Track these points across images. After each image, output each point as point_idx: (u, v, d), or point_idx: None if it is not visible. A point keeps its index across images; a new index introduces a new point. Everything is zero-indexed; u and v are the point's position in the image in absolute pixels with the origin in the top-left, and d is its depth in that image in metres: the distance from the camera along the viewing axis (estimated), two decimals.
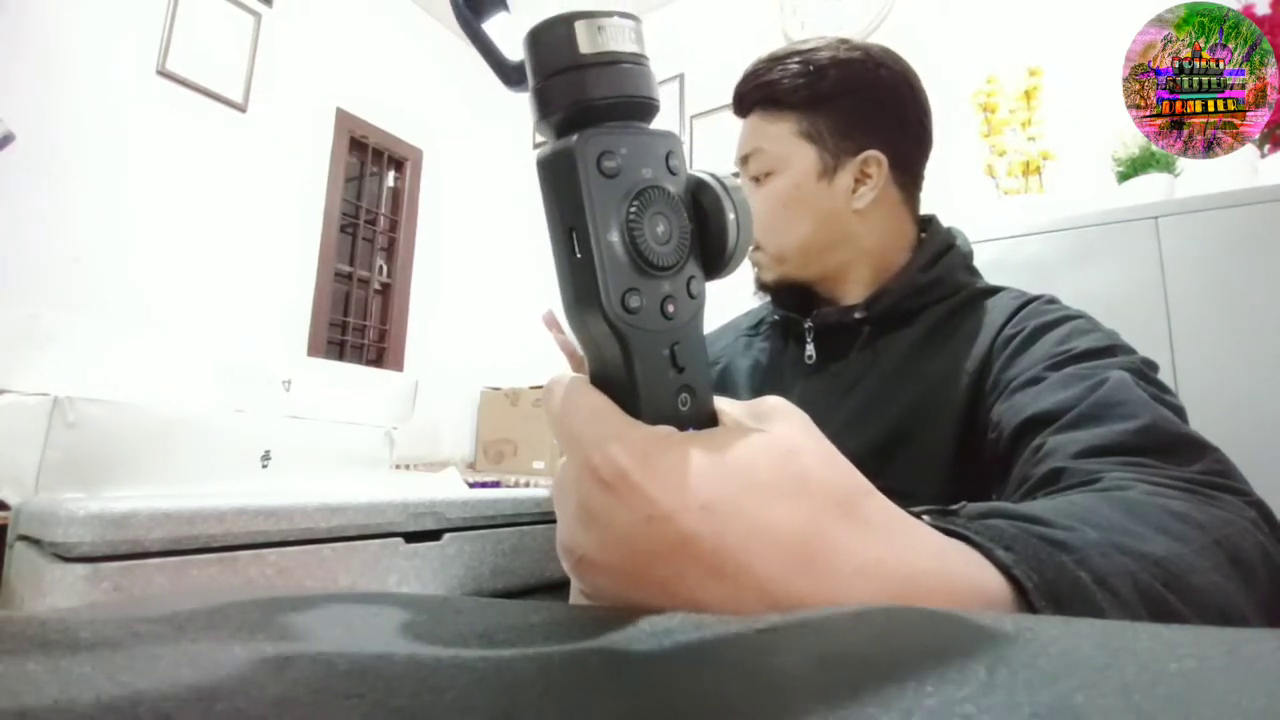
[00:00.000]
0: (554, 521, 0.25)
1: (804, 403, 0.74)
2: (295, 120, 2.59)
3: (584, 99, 0.22)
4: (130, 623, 0.23)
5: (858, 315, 0.66)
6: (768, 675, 0.16)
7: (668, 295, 0.23)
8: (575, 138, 0.22)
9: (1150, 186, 1.58)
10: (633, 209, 0.22)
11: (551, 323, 0.69)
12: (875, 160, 0.69)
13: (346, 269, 2.86)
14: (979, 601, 0.22)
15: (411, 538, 0.45)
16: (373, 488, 0.48)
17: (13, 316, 0.41)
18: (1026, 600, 0.22)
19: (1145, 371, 0.48)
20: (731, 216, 0.24)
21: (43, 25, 1.97)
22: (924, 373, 0.61)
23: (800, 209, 0.69)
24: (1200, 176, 1.56)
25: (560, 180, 0.22)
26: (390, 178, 3.13)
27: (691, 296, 0.24)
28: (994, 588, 0.23)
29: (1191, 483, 0.36)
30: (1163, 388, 0.47)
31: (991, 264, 1.58)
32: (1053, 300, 0.63)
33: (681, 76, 2.80)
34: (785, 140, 0.69)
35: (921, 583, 0.21)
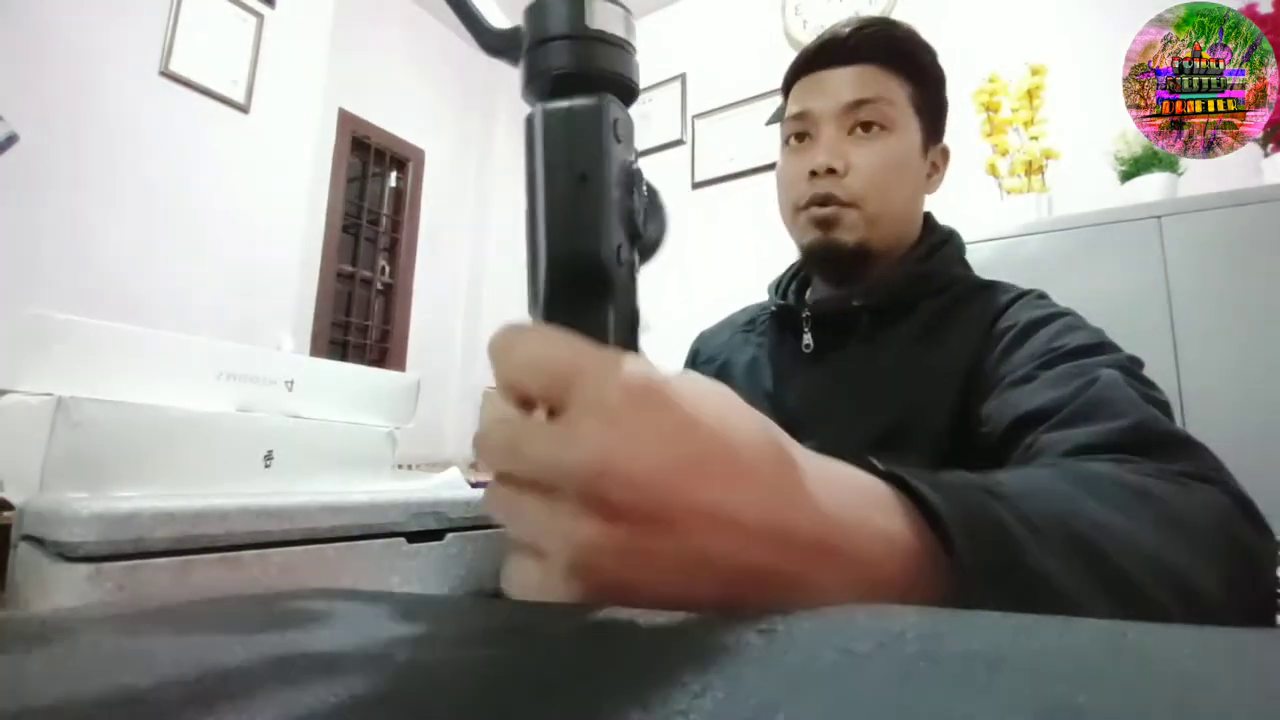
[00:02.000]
0: None
1: (806, 393, 0.73)
2: (297, 121, 2.59)
3: (593, 68, 0.24)
4: (131, 623, 0.23)
5: (856, 303, 0.66)
6: (775, 676, 0.16)
7: (629, 260, 0.26)
8: (599, 99, 0.24)
9: (1153, 186, 1.58)
10: (631, 177, 0.25)
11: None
12: (945, 154, 0.72)
13: (349, 269, 2.86)
14: (895, 527, 0.24)
15: (414, 537, 0.45)
16: (375, 488, 0.48)
17: (16, 317, 0.41)
18: (944, 528, 0.23)
19: (1133, 369, 0.49)
20: (668, 218, 0.28)
21: (46, 27, 1.97)
22: (922, 366, 0.61)
23: (907, 176, 0.67)
24: (1203, 176, 1.55)
25: (582, 132, 0.24)
26: (392, 178, 3.13)
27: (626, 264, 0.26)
28: (911, 519, 0.24)
29: (1174, 475, 0.36)
30: (1150, 384, 0.47)
31: (994, 263, 1.58)
32: (1043, 296, 0.64)
33: (683, 76, 2.79)
34: (903, 103, 0.66)
35: (850, 497, 0.23)
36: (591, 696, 0.15)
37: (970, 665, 0.15)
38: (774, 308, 0.75)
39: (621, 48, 0.24)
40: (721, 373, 0.77)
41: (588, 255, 0.24)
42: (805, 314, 0.69)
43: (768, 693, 0.14)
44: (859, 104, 0.65)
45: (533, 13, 0.24)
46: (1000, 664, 0.15)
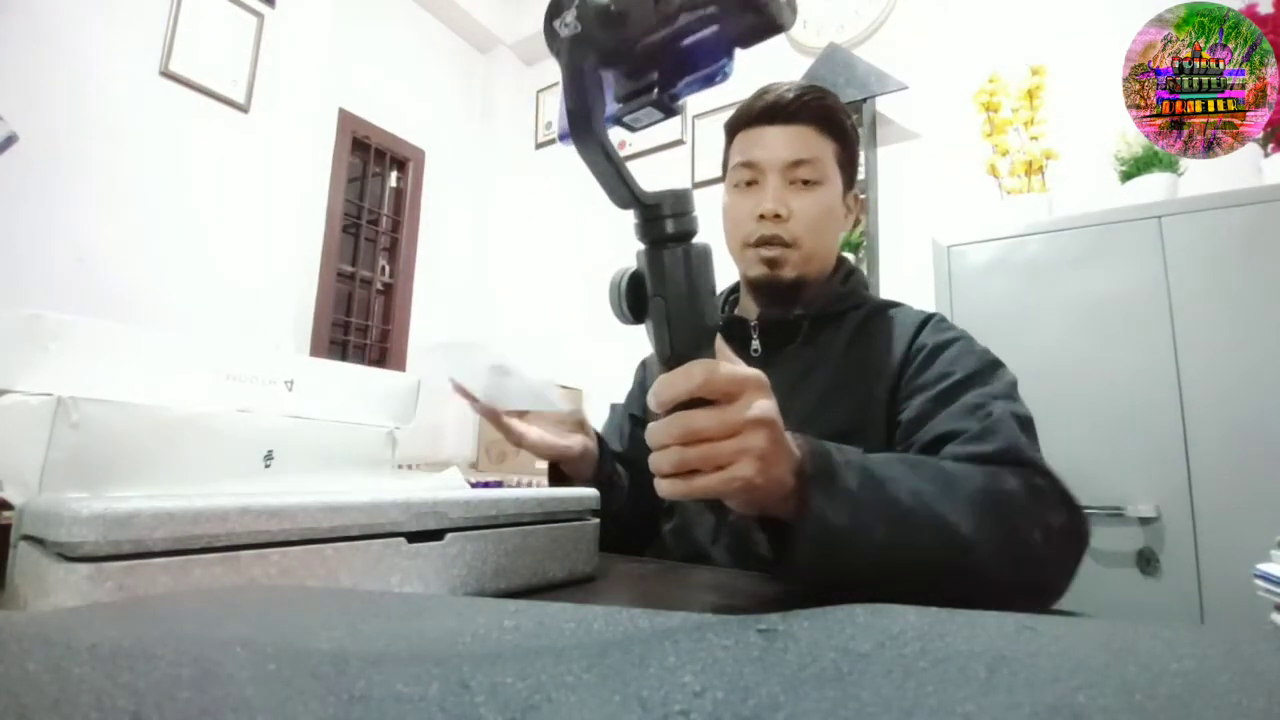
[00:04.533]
0: (555, 521, 0.29)
1: None
2: (297, 121, 2.59)
3: (695, 227, 0.40)
4: (131, 623, 0.23)
5: (798, 313, 0.81)
6: (775, 676, 0.16)
7: None
8: (703, 244, 0.40)
9: (1153, 186, 1.58)
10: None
11: (463, 391, 0.77)
12: (857, 199, 0.88)
13: (349, 269, 2.86)
14: (795, 445, 0.46)
15: (414, 537, 0.45)
16: (375, 487, 0.48)
17: (16, 317, 0.41)
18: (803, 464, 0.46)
19: (1012, 394, 0.66)
20: None
21: (46, 27, 1.97)
22: (858, 368, 0.76)
23: (834, 222, 0.83)
24: (1203, 176, 1.55)
25: (709, 261, 0.40)
26: (393, 178, 3.13)
27: None
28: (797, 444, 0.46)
29: (1002, 469, 0.55)
30: (1020, 403, 0.65)
31: (994, 263, 1.58)
32: (943, 319, 0.79)
33: None
34: (830, 160, 0.81)
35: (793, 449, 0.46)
36: (592, 696, 0.15)
37: (970, 665, 0.15)
38: (720, 323, 0.82)
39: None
40: None
41: (715, 330, 0.41)
42: (753, 323, 0.84)
43: (768, 693, 0.14)
44: (799, 163, 0.79)
45: (684, 194, 0.39)
46: (1000, 664, 0.15)
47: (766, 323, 0.83)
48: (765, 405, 0.42)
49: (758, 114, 0.82)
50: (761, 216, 0.79)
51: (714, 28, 0.34)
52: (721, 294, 0.94)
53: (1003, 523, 0.51)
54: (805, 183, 0.80)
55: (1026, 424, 0.62)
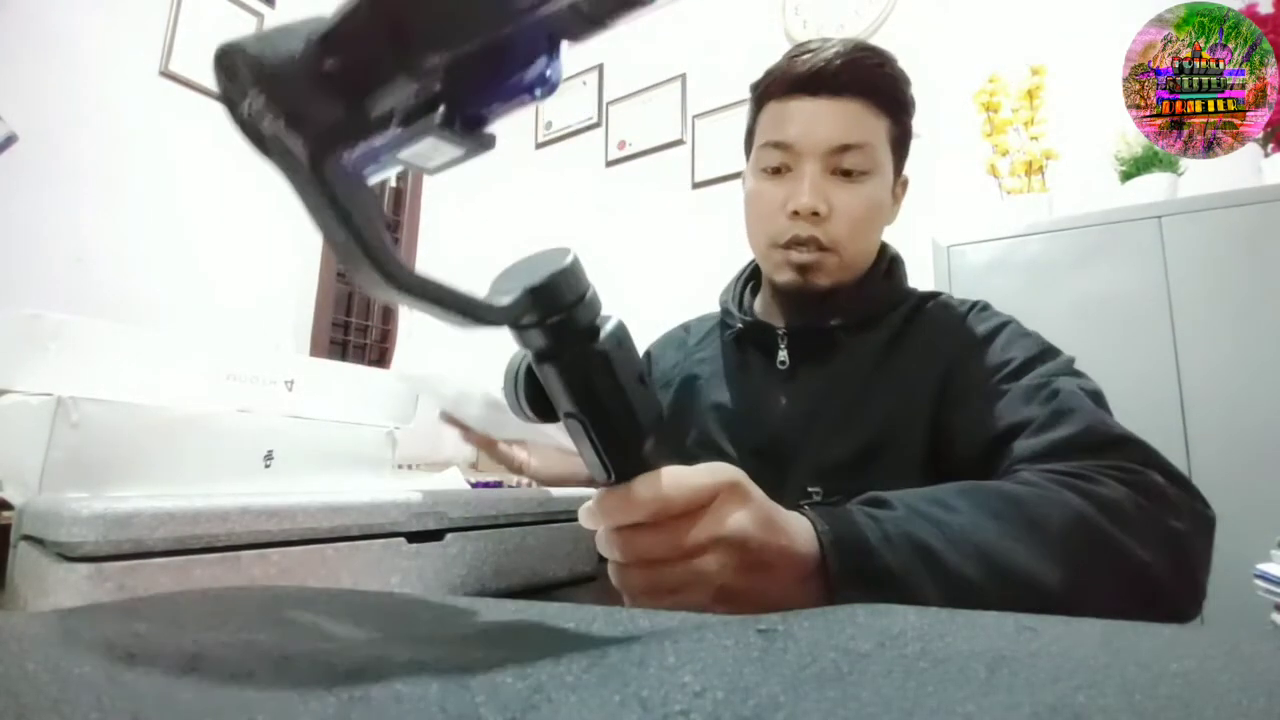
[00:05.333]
0: (555, 521, 0.29)
1: (789, 411, 0.74)
2: None
3: (598, 310, 0.31)
4: (131, 623, 0.23)
5: (834, 323, 0.67)
6: (775, 676, 0.16)
7: None
8: (619, 321, 0.31)
9: (1153, 186, 1.57)
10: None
11: (454, 422, 0.70)
12: (905, 185, 0.72)
13: None
14: (803, 544, 0.36)
15: (414, 537, 0.45)
16: (375, 487, 0.48)
17: (16, 317, 0.41)
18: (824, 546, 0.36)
19: (1076, 370, 0.58)
20: None
21: (45, 26, 1.97)
22: (895, 374, 0.64)
23: (881, 217, 0.68)
24: (1203, 176, 1.55)
25: (632, 347, 0.32)
26: (393, 178, 3.14)
27: None
28: (811, 537, 0.36)
29: (1098, 469, 0.45)
30: (1087, 379, 0.57)
31: (994, 264, 1.58)
32: (987, 306, 0.68)
33: (683, 76, 2.79)
34: (882, 144, 0.65)
35: (796, 537, 0.36)
36: (592, 696, 0.15)
37: (970, 665, 0.15)
38: (740, 324, 0.73)
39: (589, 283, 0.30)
40: (682, 396, 0.73)
41: (660, 418, 0.33)
42: (781, 332, 0.69)
43: (768, 693, 0.14)
44: (845, 148, 0.63)
45: (551, 286, 0.28)
46: (1000, 664, 0.15)
47: (796, 332, 0.69)
48: (736, 520, 0.33)
49: (794, 81, 0.64)
50: (795, 213, 0.64)
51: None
52: (736, 278, 0.82)
53: (1106, 554, 0.41)
54: (849, 173, 0.64)
55: (1098, 398, 0.54)
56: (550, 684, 0.16)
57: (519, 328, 0.29)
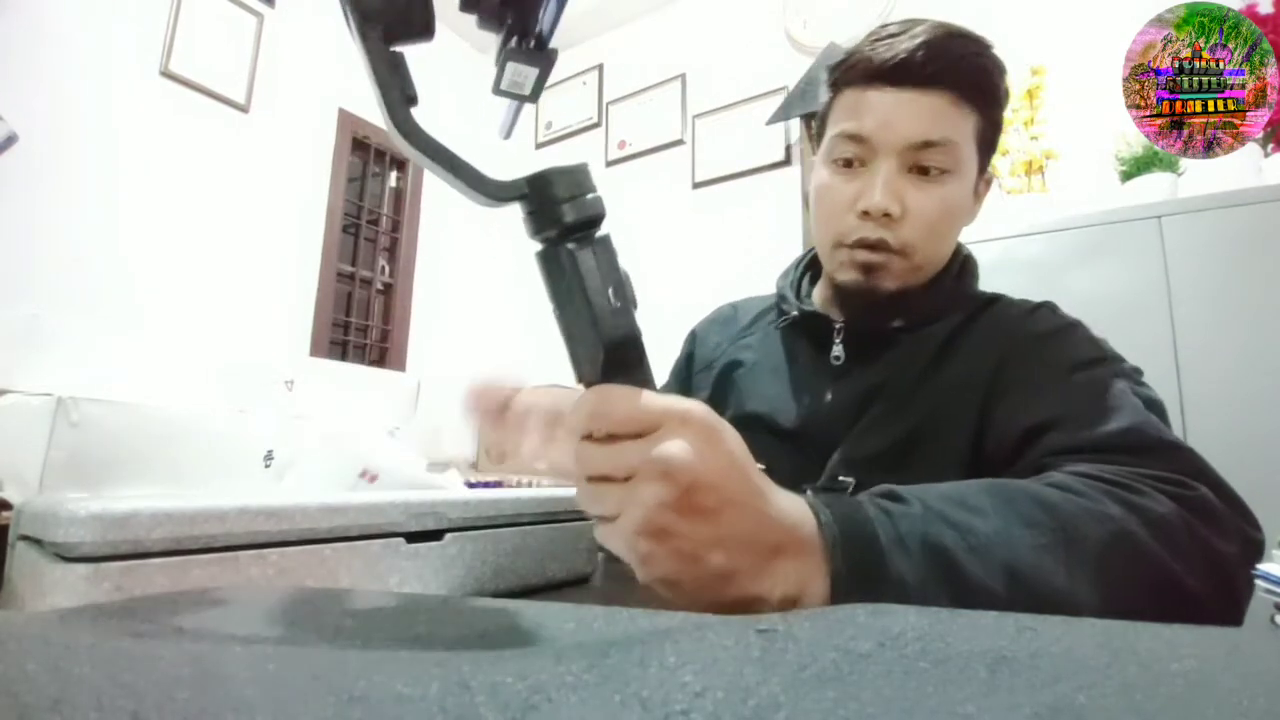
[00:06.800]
0: (554, 522, 0.29)
1: (835, 406, 0.72)
2: (297, 120, 2.59)
3: (598, 213, 0.32)
4: (130, 623, 0.23)
5: (897, 324, 0.64)
6: (775, 676, 0.15)
7: None
8: (607, 233, 0.32)
9: (1153, 186, 1.58)
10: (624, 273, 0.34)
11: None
12: (989, 182, 0.68)
13: (349, 269, 2.86)
14: (804, 534, 0.33)
15: (413, 538, 0.45)
16: (375, 488, 0.48)
17: (16, 317, 0.41)
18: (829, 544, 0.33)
19: (1135, 377, 0.53)
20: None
21: (45, 26, 1.97)
22: (943, 377, 0.60)
23: (960, 220, 0.63)
24: (1203, 176, 1.55)
25: (612, 254, 0.32)
26: (393, 178, 3.13)
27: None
28: (803, 518, 0.34)
29: (1142, 479, 0.40)
30: (1149, 388, 0.52)
31: (994, 264, 1.58)
32: (1055, 307, 0.64)
33: (683, 76, 2.79)
34: (968, 141, 0.60)
35: (792, 516, 0.33)
36: (592, 696, 0.15)
37: (971, 665, 0.15)
38: (796, 313, 0.70)
39: (597, 194, 0.32)
40: (724, 380, 0.72)
41: (634, 334, 0.32)
42: (838, 327, 0.66)
43: (768, 693, 0.14)
44: (926, 145, 0.58)
45: (552, 177, 0.31)
46: (1000, 664, 0.15)
47: (854, 330, 0.65)
48: (671, 449, 0.30)
49: (874, 70, 0.60)
50: (865, 213, 0.59)
51: None
52: (795, 263, 0.77)
53: (1150, 578, 0.36)
54: (928, 170, 0.59)
55: (1154, 406, 0.49)
56: (550, 684, 0.16)
57: (528, 214, 0.32)
